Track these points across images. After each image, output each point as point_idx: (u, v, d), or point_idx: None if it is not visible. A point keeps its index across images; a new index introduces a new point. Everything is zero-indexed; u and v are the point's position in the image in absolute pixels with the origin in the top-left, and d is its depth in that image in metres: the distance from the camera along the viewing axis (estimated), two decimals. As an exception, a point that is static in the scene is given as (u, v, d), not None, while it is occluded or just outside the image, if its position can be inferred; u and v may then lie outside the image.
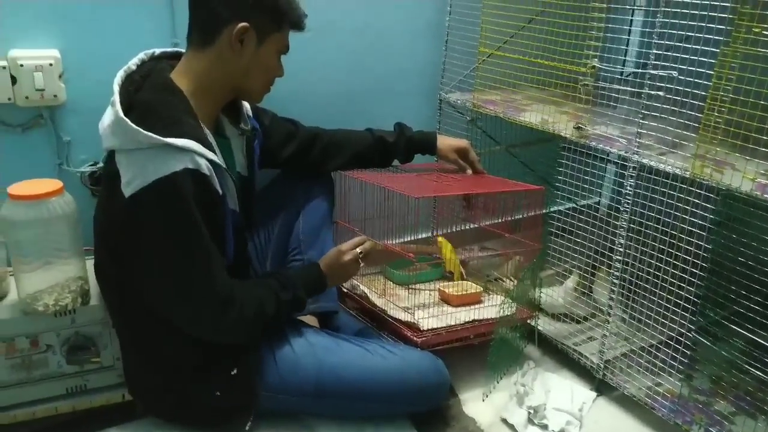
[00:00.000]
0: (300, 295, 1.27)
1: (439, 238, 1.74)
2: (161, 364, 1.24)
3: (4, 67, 1.32)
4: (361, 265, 1.38)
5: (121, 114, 1.07)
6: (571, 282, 1.64)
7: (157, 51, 1.26)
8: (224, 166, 1.16)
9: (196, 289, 1.12)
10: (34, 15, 1.35)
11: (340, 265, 1.35)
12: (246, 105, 1.37)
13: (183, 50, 1.25)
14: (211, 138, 1.17)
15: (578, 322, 1.59)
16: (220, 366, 1.24)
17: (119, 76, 1.17)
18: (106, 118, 1.12)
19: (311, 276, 1.33)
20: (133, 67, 1.21)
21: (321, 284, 1.34)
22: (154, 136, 1.04)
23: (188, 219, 1.07)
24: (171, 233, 1.08)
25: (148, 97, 1.13)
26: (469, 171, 1.63)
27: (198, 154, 1.08)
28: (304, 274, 1.33)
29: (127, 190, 1.06)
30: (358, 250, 1.37)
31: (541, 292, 1.66)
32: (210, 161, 1.10)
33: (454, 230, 1.93)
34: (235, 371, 1.24)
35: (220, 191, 1.13)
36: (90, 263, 1.33)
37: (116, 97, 1.11)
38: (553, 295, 1.65)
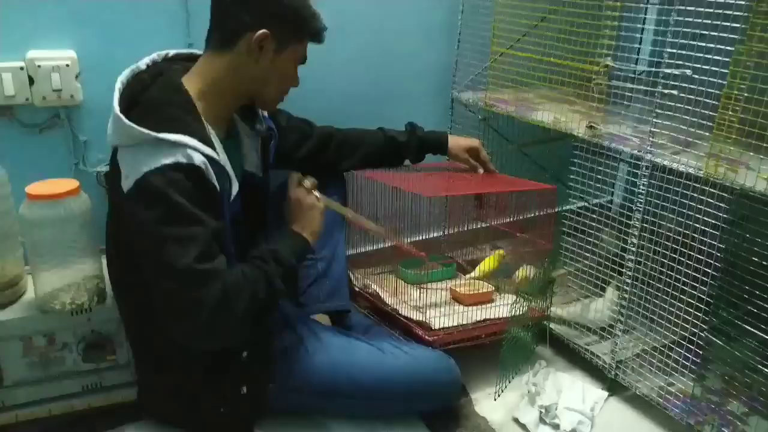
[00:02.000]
0: (281, 257, 1.18)
1: (500, 252, 1.73)
2: (170, 371, 1.24)
3: (21, 68, 1.34)
4: (316, 195, 1.32)
5: (117, 111, 1.08)
6: (610, 294, 1.55)
7: (171, 52, 1.27)
8: (225, 163, 1.14)
9: (185, 287, 1.05)
10: (51, 17, 1.36)
11: (293, 205, 1.30)
12: None
13: (197, 51, 1.25)
14: (214, 137, 1.16)
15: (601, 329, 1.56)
16: (229, 381, 1.23)
17: (125, 74, 1.18)
18: (111, 118, 1.13)
19: (283, 237, 1.25)
20: (143, 67, 1.21)
21: (296, 238, 1.25)
22: (146, 131, 1.04)
23: (178, 211, 1.04)
24: (161, 225, 1.04)
25: (152, 95, 1.13)
26: (481, 170, 1.63)
27: (191, 148, 1.06)
28: (278, 239, 1.25)
29: (125, 185, 1.06)
30: (297, 183, 1.32)
31: (561, 306, 1.64)
32: (207, 157, 1.09)
33: (465, 229, 1.93)
34: (244, 390, 1.24)
35: (217, 186, 1.11)
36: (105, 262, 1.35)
37: (115, 95, 1.12)
38: (597, 308, 1.57)
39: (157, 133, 1.05)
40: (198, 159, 1.07)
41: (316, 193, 1.32)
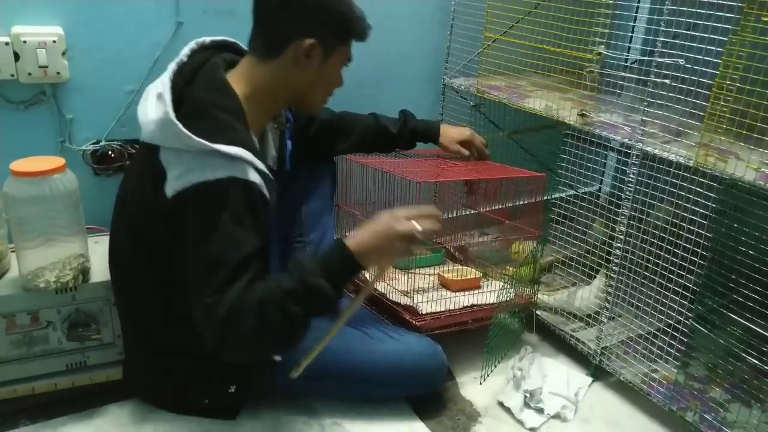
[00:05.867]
0: (311, 282, 1.05)
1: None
2: (162, 358, 1.24)
3: (7, 44, 1.31)
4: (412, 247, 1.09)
5: (172, 116, 1.03)
6: (599, 281, 1.55)
7: (207, 40, 1.21)
8: (270, 175, 1.12)
9: (211, 288, 1.03)
10: (38, -9, 1.34)
11: (388, 230, 1.08)
12: None
13: (230, 39, 1.23)
14: (256, 143, 1.14)
15: (588, 316, 1.57)
16: (218, 379, 1.23)
17: (171, 70, 1.10)
18: (152, 112, 1.07)
19: (338, 254, 1.09)
20: (185, 59, 1.15)
21: (348, 263, 1.08)
22: (204, 142, 1.01)
23: (223, 227, 1.03)
24: (205, 232, 1.04)
25: (201, 95, 1.08)
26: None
27: (247, 162, 1.05)
28: (330, 254, 1.11)
29: (170, 189, 1.03)
30: (418, 227, 1.08)
31: (556, 293, 1.64)
32: (258, 170, 1.07)
33: (455, 215, 1.93)
34: (232, 389, 1.24)
35: (267, 197, 1.10)
36: (92, 240, 1.34)
37: (167, 95, 1.06)
38: (584, 296, 1.57)
39: (213, 143, 1.01)
40: (252, 175, 1.05)
41: (417, 250, 1.13)
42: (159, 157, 1.06)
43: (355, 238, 1.09)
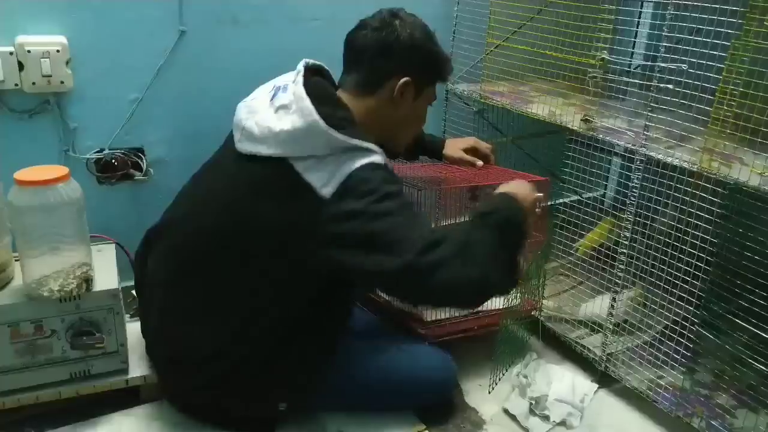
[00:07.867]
0: (505, 214, 1.13)
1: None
2: (212, 374, 1.21)
3: (11, 53, 1.32)
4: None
5: (323, 123, 1.07)
6: (632, 292, 1.51)
7: (310, 61, 1.24)
8: None
9: (428, 254, 1.04)
10: (42, 1, 1.34)
11: (530, 200, 1.20)
12: None
13: (324, 66, 1.27)
14: None
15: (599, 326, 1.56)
16: (273, 394, 1.23)
17: (300, 83, 1.13)
18: (278, 123, 1.10)
19: (502, 200, 1.18)
20: (302, 78, 1.16)
21: (514, 207, 1.16)
22: (352, 139, 1.08)
23: (392, 191, 1.08)
24: (382, 203, 1.06)
25: (322, 109, 1.10)
26: (480, 163, 1.61)
27: (381, 155, 1.12)
28: (494, 200, 1.19)
29: (326, 191, 1.06)
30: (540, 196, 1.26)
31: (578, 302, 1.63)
32: None
33: (458, 221, 1.92)
34: (283, 407, 1.24)
35: None
36: (95, 249, 1.34)
37: (308, 103, 1.09)
38: (603, 306, 1.52)
39: (352, 139, 1.08)
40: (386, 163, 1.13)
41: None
42: (295, 171, 1.08)
43: (512, 192, 1.19)
